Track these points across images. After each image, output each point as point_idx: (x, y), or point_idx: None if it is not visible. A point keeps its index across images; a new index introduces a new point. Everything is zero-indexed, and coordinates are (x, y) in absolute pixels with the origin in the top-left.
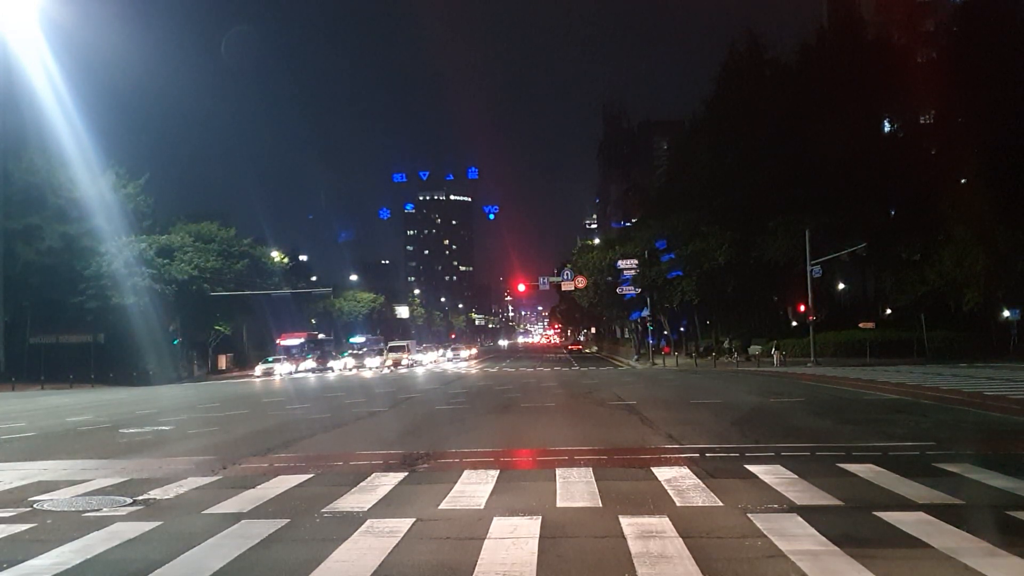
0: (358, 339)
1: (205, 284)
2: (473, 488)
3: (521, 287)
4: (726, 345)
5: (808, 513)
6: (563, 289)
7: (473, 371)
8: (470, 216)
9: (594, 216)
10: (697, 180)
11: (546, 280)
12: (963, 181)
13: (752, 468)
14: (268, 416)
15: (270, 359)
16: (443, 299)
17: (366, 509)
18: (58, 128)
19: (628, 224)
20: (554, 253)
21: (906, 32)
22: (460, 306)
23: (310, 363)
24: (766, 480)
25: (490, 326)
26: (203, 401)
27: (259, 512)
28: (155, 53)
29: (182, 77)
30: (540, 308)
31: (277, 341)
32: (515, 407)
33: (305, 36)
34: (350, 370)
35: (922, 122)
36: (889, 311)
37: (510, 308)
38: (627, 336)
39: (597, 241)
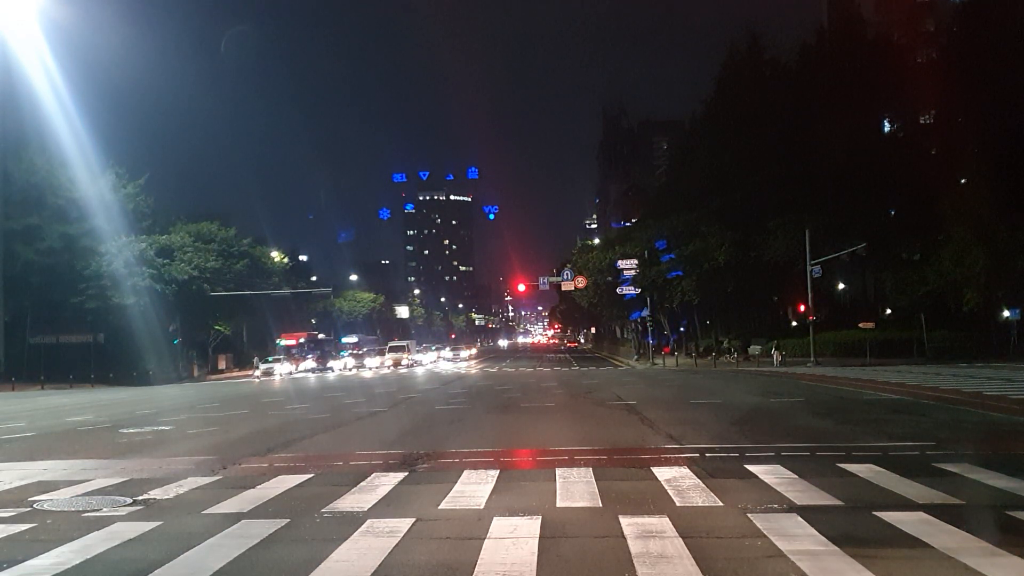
0: (350, 339)
1: (205, 284)
2: (473, 488)
3: (521, 287)
4: (726, 345)
5: (808, 513)
6: (563, 289)
7: (473, 371)
8: (470, 216)
9: (594, 216)
10: (697, 180)
11: (546, 280)
12: (963, 181)
13: (752, 468)
14: (268, 416)
15: (270, 359)
16: (443, 299)
17: (366, 509)
18: (58, 128)
19: (628, 224)
20: (554, 253)
21: (906, 32)
22: (460, 306)
23: (310, 363)
24: (766, 480)
25: (490, 326)
26: (203, 401)
27: (259, 512)
28: (155, 53)
29: (181, 77)
30: (540, 308)
31: (277, 341)
32: (515, 407)
33: (305, 36)
34: (350, 370)
35: (922, 122)
36: (889, 311)
37: (510, 308)
38: (627, 336)
39: (597, 241)
